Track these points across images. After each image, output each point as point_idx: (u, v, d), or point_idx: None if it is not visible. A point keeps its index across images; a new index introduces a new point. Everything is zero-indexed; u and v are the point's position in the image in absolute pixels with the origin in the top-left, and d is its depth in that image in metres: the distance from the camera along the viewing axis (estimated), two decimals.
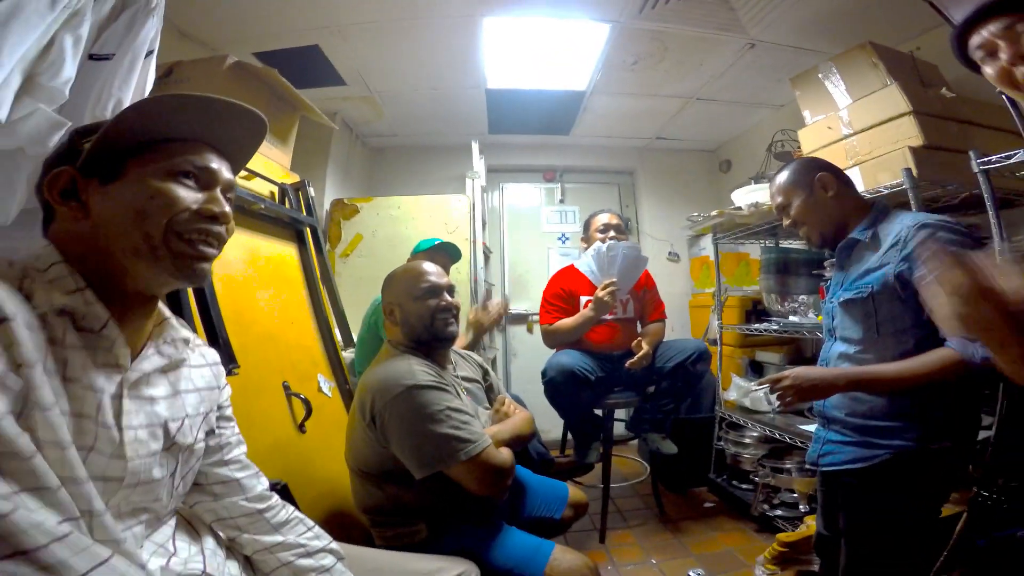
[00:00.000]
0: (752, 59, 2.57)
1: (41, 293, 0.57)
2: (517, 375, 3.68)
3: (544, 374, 2.23)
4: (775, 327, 2.26)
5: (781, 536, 1.81)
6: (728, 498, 2.51)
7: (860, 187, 1.87)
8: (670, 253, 3.86)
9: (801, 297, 2.28)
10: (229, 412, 0.88)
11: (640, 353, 2.19)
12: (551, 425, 2.44)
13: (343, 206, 2.93)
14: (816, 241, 1.37)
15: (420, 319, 1.36)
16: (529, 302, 3.75)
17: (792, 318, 2.24)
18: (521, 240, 3.94)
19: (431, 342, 1.38)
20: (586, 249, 2.49)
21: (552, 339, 2.42)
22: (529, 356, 3.61)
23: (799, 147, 2.28)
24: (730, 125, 3.54)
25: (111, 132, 0.66)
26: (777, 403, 1.24)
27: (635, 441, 2.97)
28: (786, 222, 1.40)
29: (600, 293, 2.22)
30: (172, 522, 0.74)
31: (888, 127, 1.84)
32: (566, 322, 2.34)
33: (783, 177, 1.39)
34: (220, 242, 0.72)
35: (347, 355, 2.14)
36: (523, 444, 1.46)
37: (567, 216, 3.95)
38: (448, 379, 1.33)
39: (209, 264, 0.71)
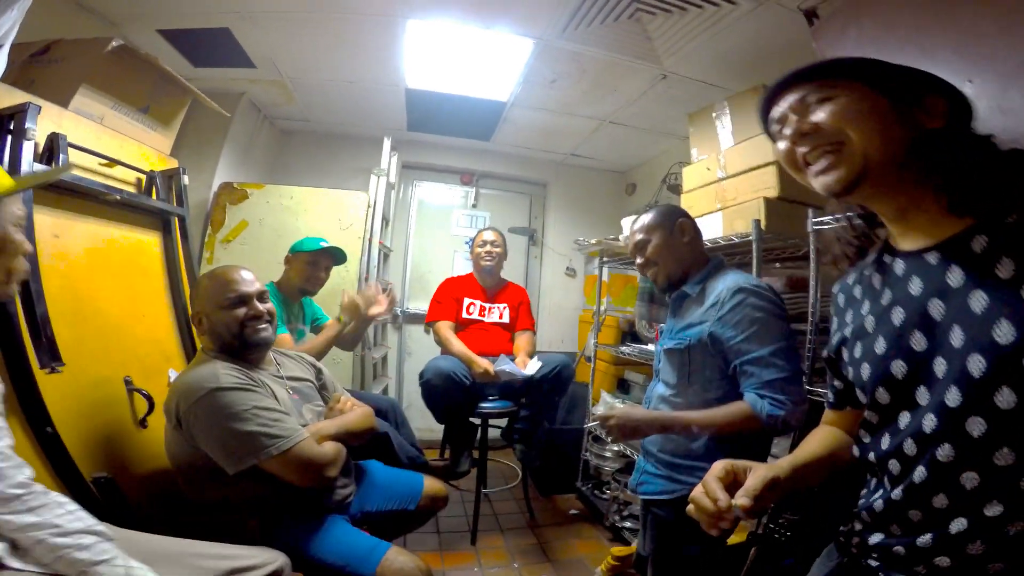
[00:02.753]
0: (663, 89, 2.67)
1: None
2: (410, 374, 3.70)
3: (422, 375, 2.34)
4: (634, 352, 2.43)
5: (614, 550, 1.98)
6: (591, 506, 2.69)
7: (719, 232, 2.01)
8: (568, 268, 4.01)
9: (661, 325, 2.46)
10: None
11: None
12: (435, 425, 2.50)
13: (231, 190, 2.81)
14: (662, 282, 1.47)
15: (228, 328, 1.38)
16: (428, 302, 3.76)
17: (650, 346, 2.41)
18: (428, 240, 3.95)
19: (242, 348, 1.40)
20: (471, 260, 2.78)
21: (436, 335, 2.63)
22: (424, 355, 3.56)
23: None
24: (639, 150, 3.68)
25: None
26: (593, 426, 1.36)
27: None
28: (639, 260, 1.49)
29: (486, 367, 2.37)
30: None
31: (754, 175, 1.93)
32: (454, 344, 2.51)
33: (648, 218, 1.49)
34: None
35: None
36: (358, 439, 1.51)
37: (477, 221, 3.99)
38: (259, 379, 1.36)
39: None
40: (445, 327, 2.60)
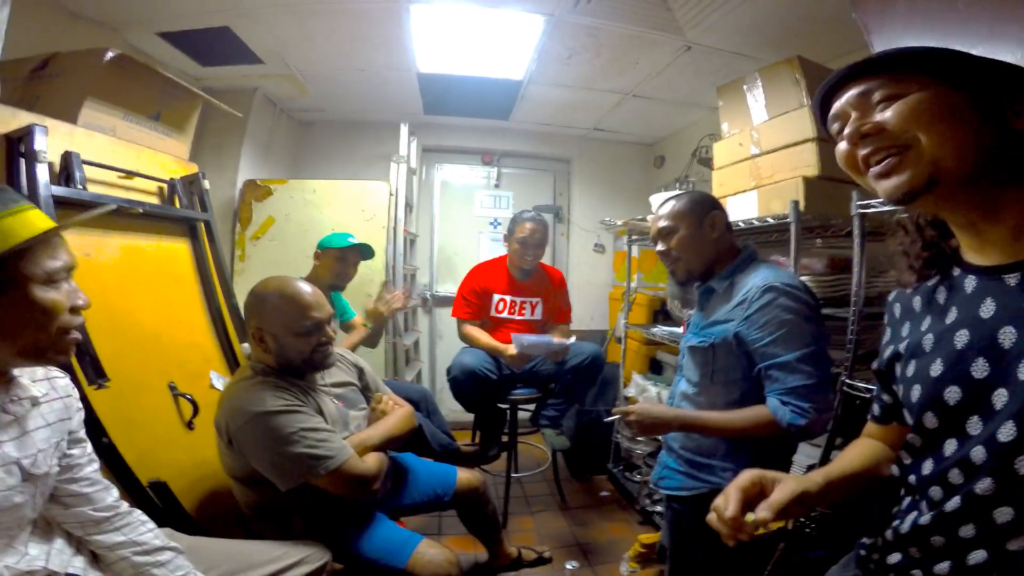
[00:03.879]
0: (689, 61, 2.54)
1: None
2: (443, 357, 3.75)
3: (449, 371, 2.36)
4: (664, 334, 2.38)
5: (642, 537, 1.98)
6: (621, 489, 2.70)
7: (754, 212, 1.91)
8: (596, 245, 3.93)
9: (692, 311, 2.39)
10: (81, 435, 0.99)
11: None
12: (461, 406, 2.53)
13: (256, 187, 2.84)
14: (682, 276, 1.39)
15: (300, 354, 1.36)
16: (456, 285, 3.75)
17: (680, 329, 2.34)
18: (453, 222, 3.92)
19: (305, 369, 1.40)
20: (506, 247, 2.56)
21: (462, 337, 2.54)
22: (455, 338, 3.62)
23: None
24: (667, 122, 3.54)
25: None
26: (613, 421, 1.37)
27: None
28: (660, 247, 1.40)
29: (512, 351, 2.31)
30: (29, 528, 0.89)
31: (792, 152, 1.80)
32: (480, 338, 2.45)
33: (677, 204, 1.38)
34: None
35: (248, 347, 2.14)
36: (399, 442, 1.53)
37: (501, 201, 3.95)
38: (308, 396, 1.37)
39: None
40: (470, 328, 2.52)
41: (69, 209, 1.45)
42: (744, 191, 2.01)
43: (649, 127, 3.69)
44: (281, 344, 1.35)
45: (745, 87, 2.03)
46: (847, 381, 1.46)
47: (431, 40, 2.46)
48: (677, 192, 1.73)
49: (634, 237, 2.70)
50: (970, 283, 0.64)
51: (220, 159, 2.76)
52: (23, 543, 0.87)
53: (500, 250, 2.71)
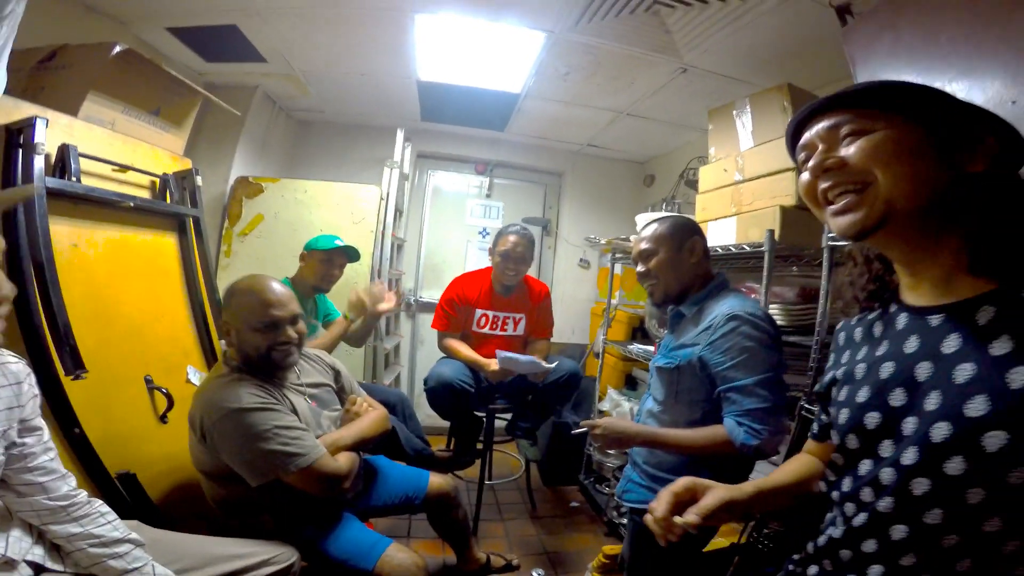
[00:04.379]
0: (684, 83, 2.60)
1: None
2: (423, 362, 3.78)
3: (426, 382, 2.36)
4: (638, 351, 2.43)
5: (606, 548, 2.03)
6: (591, 500, 2.74)
7: (731, 239, 1.96)
8: (581, 260, 3.99)
9: (664, 332, 2.45)
10: (36, 423, 0.99)
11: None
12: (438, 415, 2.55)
13: (247, 184, 2.86)
14: (659, 298, 1.45)
15: (256, 350, 1.39)
16: (441, 292, 3.80)
17: (652, 347, 2.40)
18: (442, 229, 3.96)
19: (267, 368, 1.42)
20: (490, 260, 2.55)
21: (442, 348, 2.55)
22: (436, 344, 3.67)
23: None
24: (659, 142, 3.60)
25: None
26: (579, 433, 1.44)
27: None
28: (640, 268, 1.46)
29: (493, 367, 2.31)
30: None
31: (772, 180, 1.84)
32: (461, 351, 2.45)
33: (660, 228, 1.45)
34: None
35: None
36: (371, 444, 1.57)
37: (491, 211, 3.99)
38: (281, 395, 1.40)
39: None
40: (450, 341, 2.52)
41: (62, 200, 1.48)
42: (724, 216, 2.06)
43: (641, 146, 3.75)
44: (242, 339, 1.39)
45: (735, 112, 2.07)
46: (805, 405, 1.52)
47: (433, 49, 2.50)
48: (661, 215, 1.78)
49: (618, 255, 2.75)
50: (902, 320, 0.70)
51: (215, 154, 2.78)
52: None
53: (487, 260, 2.73)
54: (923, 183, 0.61)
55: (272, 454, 1.26)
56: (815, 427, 0.92)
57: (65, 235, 1.49)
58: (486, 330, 2.56)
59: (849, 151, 0.64)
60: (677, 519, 0.75)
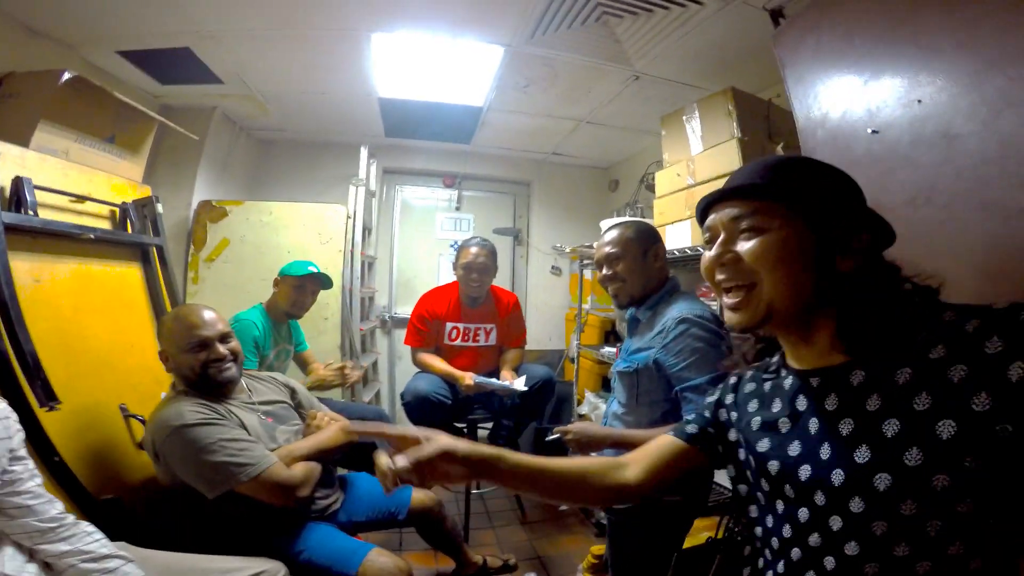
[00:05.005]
0: (637, 89, 2.66)
1: None
2: (401, 377, 3.74)
3: (403, 397, 2.36)
4: (609, 353, 2.48)
5: (594, 548, 2.06)
6: None
7: (687, 241, 2.03)
8: (553, 267, 4.05)
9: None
10: (21, 453, 1.05)
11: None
12: None
13: (210, 208, 2.81)
14: (624, 300, 1.51)
15: (191, 370, 1.45)
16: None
17: None
18: (413, 244, 3.96)
19: (208, 386, 1.47)
20: (455, 275, 2.56)
21: (416, 364, 2.55)
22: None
23: None
24: (620, 147, 3.68)
25: None
26: (553, 439, 1.49)
27: None
28: (606, 271, 1.50)
29: (468, 382, 2.32)
30: None
31: (721, 183, 1.90)
32: (435, 365, 2.46)
33: (626, 232, 1.49)
34: None
35: None
36: (332, 455, 1.59)
37: (461, 224, 4.01)
38: (227, 410, 1.44)
39: None
40: (425, 355, 2.52)
41: (20, 235, 1.45)
42: (680, 220, 2.12)
43: (604, 152, 3.83)
44: (177, 362, 1.47)
45: (685, 117, 2.14)
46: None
47: (392, 67, 2.52)
48: (623, 220, 1.84)
49: (586, 261, 2.80)
50: (788, 381, 0.78)
51: (175, 179, 2.73)
52: None
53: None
54: (799, 287, 0.69)
55: (221, 466, 1.31)
56: (694, 427, 0.91)
57: (26, 270, 1.46)
58: (458, 342, 2.57)
59: (744, 247, 0.71)
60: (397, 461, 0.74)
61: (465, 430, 2.57)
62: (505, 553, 2.28)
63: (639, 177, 3.43)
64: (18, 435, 1.05)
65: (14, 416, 1.06)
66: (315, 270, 2.23)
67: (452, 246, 3.95)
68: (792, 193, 0.71)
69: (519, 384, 2.31)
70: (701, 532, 1.56)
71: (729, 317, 0.75)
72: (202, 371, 1.45)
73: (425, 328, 2.53)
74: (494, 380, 2.32)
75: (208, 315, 1.50)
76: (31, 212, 1.45)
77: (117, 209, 1.83)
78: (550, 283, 4.02)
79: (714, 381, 1.27)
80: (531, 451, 2.79)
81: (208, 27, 2.12)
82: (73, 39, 2.15)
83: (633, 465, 0.90)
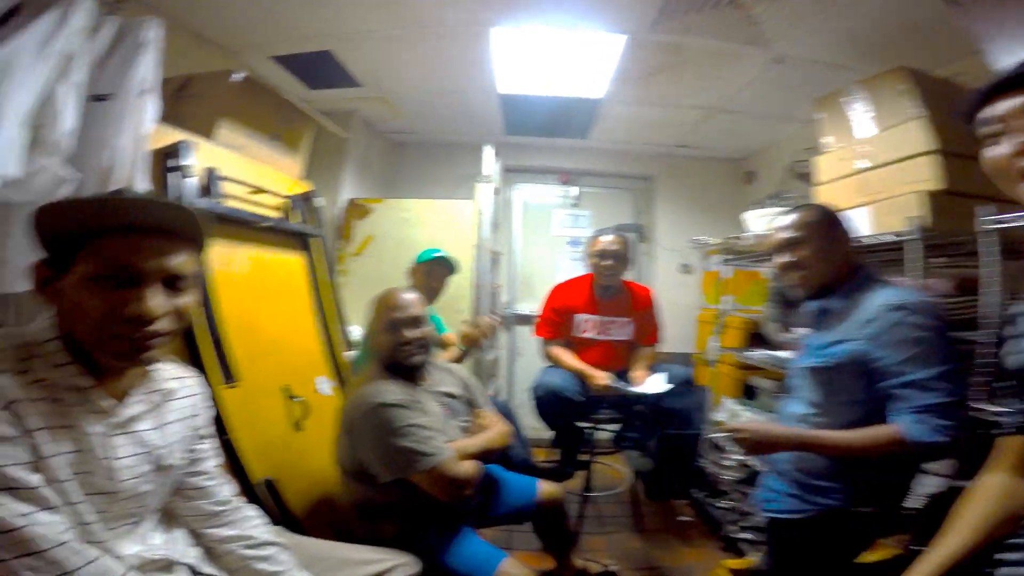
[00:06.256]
0: (778, 74, 2.48)
1: (40, 367, 0.74)
2: (521, 374, 3.76)
3: (534, 391, 2.33)
4: (764, 358, 2.26)
5: (728, 562, 1.89)
6: (704, 514, 2.57)
7: (868, 230, 1.82)
8: (682, 265, 3.83)
9: (798, 331, 2.27)
10: (206, 431, 1.04)
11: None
12: (542, 425, 2.49)
13: (356, 206, 3.01)
14: (807, 291, 1.38)
15: (386, 350, 1.50)
16: (535, 303, 3.74)
17: (781, 353, 2.23)
18: (532, 241, 3.97)
19: (399, 368, 1.50)
20: (586, 266, 2.51)
21: (547, 357, 2.51)
22: (533, 355, 3.58)
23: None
24: (757, 137, 3.45)
25: (40, 231, 0.75)
26: (722, 440, 1.33)
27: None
28: (786, 258, 1.37)
29: (602, 382, 2.24)
30: (155, 517, 0.93)
31: (907, 165, 1.70)
32: (567, 360, 2.39)
33: (808, 216, 1.37)
34: (157, 336, 0.77)
35: (351, 355, 2.26)
36: (494, 456, 1.60)
37: (579, 220, 3.95)
38: (419, 397, 1.47)
39: (153, 353, 0.79)
40: (556, 349, 2.46)
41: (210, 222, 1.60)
42: (852, 207, 1.90)
43: (737, 142, 3.61)
44: (376, 340, 1.53)
45: (844, 99, 1.95)
46: (975, 407, 1.34)
47: (510, 61, 2.53)
48: (795, 205, 1.66)
49: (728, 257, 2.59)
50: None
51: (325, 179, 2.93)
52: (147, 531, 0.90)
53: (579, 269, 2.68)
54: None
55: (405, 451, 1.32)
56: (1015, 419, 0.79)
57: (217, 254, 1.61)
58: (590, 335, 2.49)
59: None
60: None
61: (588, 431, 2.48)
62: (611, 561, 2.17)
63: (781, 167, 3.14)
64: (206, 412, 1.04)
65: (207, 392, 1.06)
66: (439, 254, 2.31)
67: (570, 243, 3.90)
68: None
69: (658, 383, 2.18)
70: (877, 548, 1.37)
71: None
72: (394, 352, 1.49)
73: (558, 319, 2.47)
74: (629, 386, 2.21)
75: (405, 298, 1.54)
76: (218, 200, 1.60)
77: (285, 201, 1.97)
78: (679, 281, 3.79)
79: (946, 376, 1.11)
80: (655, 457, 2.66)
81: (345, 29, 2.25)
82: (235, 45, 2.36)
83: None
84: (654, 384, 2.20)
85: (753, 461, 2.20)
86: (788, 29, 2.08)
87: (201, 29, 2.19)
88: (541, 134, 3.66)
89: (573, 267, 3.74)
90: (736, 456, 2.42)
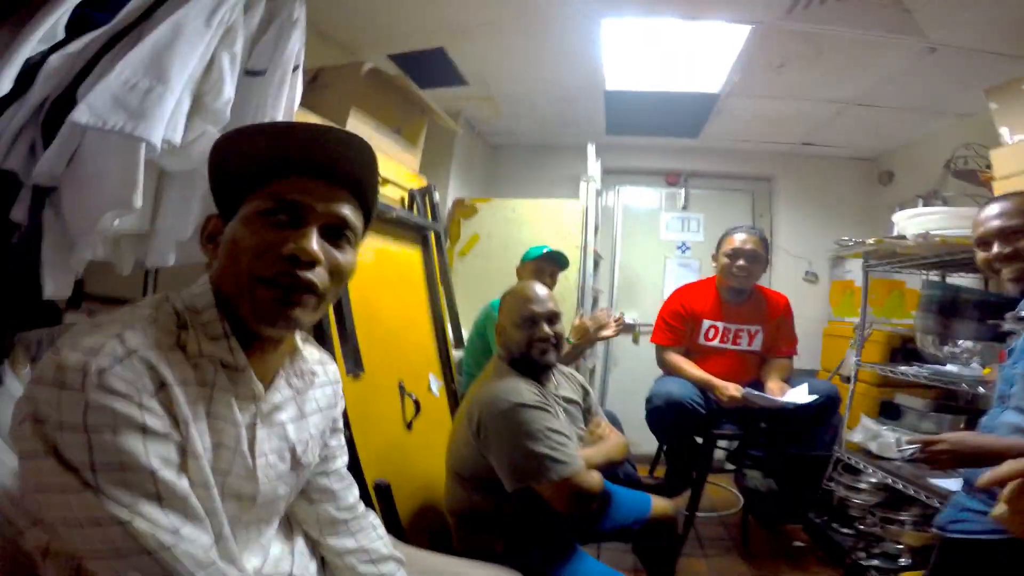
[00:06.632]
0: (932, 63, 2.25)
1: (193, 343, 0.63)
2: (615, 386, 3.61)
3: (650, 400, 2.15)
4: (925, 373, 1.98)
5: None
6: (822, 541, 2.32)
7: None
8: (807, 273, 3.52)
9: (966, 343, 1.97)
10: (339, 424, 0.92)
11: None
12: (641, 439, 2.32)
13: (463, 206, 3.04)
14: None
15: (518, 345, 1.41)
16: (637, 311, 3.62)
17: (949, 366, 1.95)
18: (635, 246, 3.82)
19: (529, 366, 1.42)
20: (714, 267, 2.33)
21: (664, 365, 2.33)
22: (631, 367, 3.50)
23: (988, 167, 2.00)
24: (897, 133, 3.14)
25: (213, 171, 0.70)
26: (909, 453, 1.25)
27: (731, 470, 2.80)
28: (1002, 249, 1.23)
29: (733, 393, 2.05)
30: (275, 523, 0.80)
31: None
32: (688, 369, 2.21)
33: None
34: (312, 288, 0.66)
35: (457, 354, 2.25)
36: (614, 468, 1.51)
37: (690, 224, 3.75)
38: (550, 399, 1.38)
39: (302, 311, 0.66)
40: (675, 356, 2.27)
41: None
42: None
43: (873, 139, 3.29)
44: (507, 335, 1.44)
45: None
46: None
47: (620, 55, 2.44)
48: (1012, 194, 1.45)
49: (873, 263, 2.30)
50: None
51: (433, 177, 2.97)
52: (268, 541, 0.77)
53: (689, 276, 2.53)
54: None
55: (539, 456, 1.21)
56: None
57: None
58: (715, 343, 2.29)
59: None
60: None
61: (706, 446, 2.28)
62: None
63: (932, 164, 2.79)
64: (341, 403, 0.92)
65: (340, 384, 0.93)
66: (548, 250, 2.25)
67: (680, 248, 3.72)
68: None
69: (799, 395, 1.95)
70: None
71: None
72: (527, 349, 1.40)
73: (679, 325, 2.29)
74: (771, 397, 2.00)
75: (542, 291, 1.47)
76: None
77: (406, 194, 1.98)
78: (803, 291, 3.46)
79: None
80: (776, 479, 2.40)
81: (457, 24, 2.25)
82: (354, 43, 2.42)
83: None
84: (797, 395, 1.98)
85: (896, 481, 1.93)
86: (946, 17, 1.92)
87: (325, 27, 2.27)
88: (646, 133, 3.53)
89: (682, 273, 3.58)
90: (871, 477, 2.16)
